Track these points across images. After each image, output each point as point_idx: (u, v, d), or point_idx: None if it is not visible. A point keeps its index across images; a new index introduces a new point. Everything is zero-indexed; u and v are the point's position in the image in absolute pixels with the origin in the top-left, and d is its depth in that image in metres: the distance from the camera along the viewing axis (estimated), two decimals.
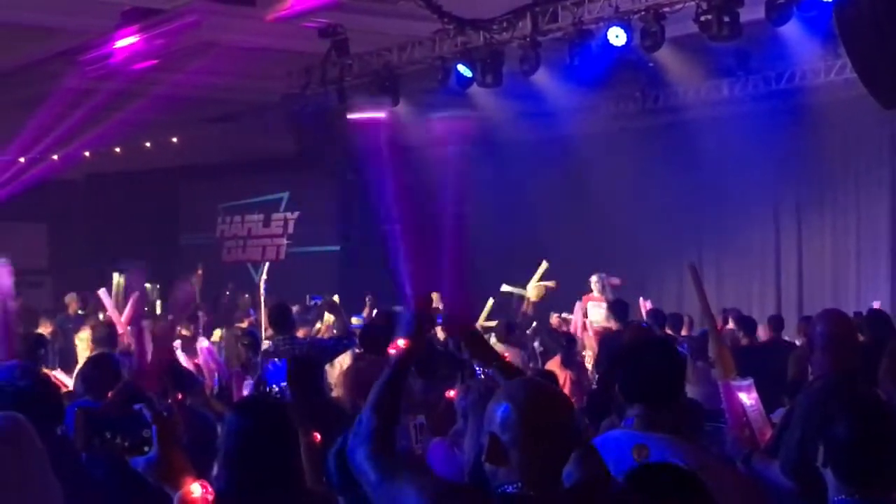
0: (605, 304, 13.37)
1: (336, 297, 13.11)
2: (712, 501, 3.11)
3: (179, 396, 6.09)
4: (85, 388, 6.15)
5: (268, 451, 3.70)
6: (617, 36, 12.86)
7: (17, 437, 3.75)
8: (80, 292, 16.41)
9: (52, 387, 4.96)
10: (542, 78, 14.72)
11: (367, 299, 15.39)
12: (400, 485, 2.99)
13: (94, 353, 8.43)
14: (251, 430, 3.72)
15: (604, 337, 11.55)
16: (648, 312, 12.08)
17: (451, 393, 5.96)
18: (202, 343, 8.79)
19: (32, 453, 3.77)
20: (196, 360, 9.08)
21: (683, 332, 12.25)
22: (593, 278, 14.68)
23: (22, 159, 20.70)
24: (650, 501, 3.02)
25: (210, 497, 2.78)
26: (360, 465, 3.13)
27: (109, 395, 5.62)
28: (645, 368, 4.05)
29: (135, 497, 3.86)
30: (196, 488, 2.76)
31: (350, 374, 7.74)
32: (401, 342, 3.52)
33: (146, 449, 2.73)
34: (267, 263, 17.90)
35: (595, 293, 14.47)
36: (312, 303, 12.97)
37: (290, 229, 23.01)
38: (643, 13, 12.68)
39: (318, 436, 4.28)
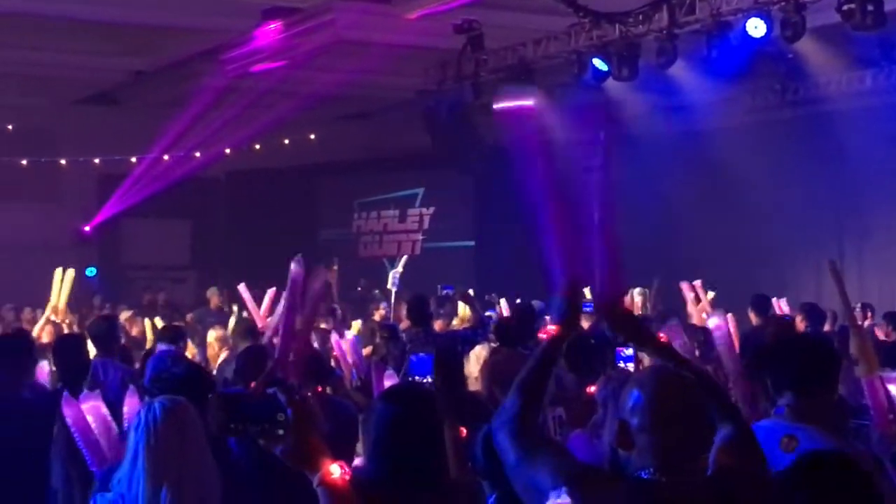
0: None
1: (471, 291, 13.15)
2: (881, 500, 3.01)
3: (319, 389, 6.18)
4: (236, 377, 6.31)
5: (416, 439, 3.73)
6: (756, 27, 12.64)
7: (181, 418, 3.99)
8: (220, 287, 16.77)
9: (205, 372, 5.14)
10: (678, 71, 14.55)
11: (492, 297, 15.30)
12: (537, 464, 3.02)
13: (234, 347, 8.69)
14: (400, 418, 3.75)
15: (746, 332, 11.36)
16: (803, 306, 11.81)
17: (592, 388, 5.94)
18: (345, 335, 8.89)
19: (194, 433, 4.00)
20: (334, 354, 9.20)
21: (826, 328, 11.97)
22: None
23: (166, 157, 21.23)
24: (813, 494, 2.92)
25: (347, 477, 2.83)
26: (502, 445, 3.17)
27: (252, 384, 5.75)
28: (799, 359, 4.00)
29: (275, 478, 3.97)
30: (335, 469, 2.82)
31: (488, 368, 7.77)
32: (551, 328, 3.53)
33: (280, 433, 2.79)
34: (403, 258, 18.10)
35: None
36: (444, 292, 13.01)
37: (426, 224, 23.15)
38: (783, 3, 12.43)
39: (464, 430, 4.31)
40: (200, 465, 3.94)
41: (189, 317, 15.14)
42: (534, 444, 3.12)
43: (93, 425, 4.96)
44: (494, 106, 16.47)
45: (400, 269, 14.68)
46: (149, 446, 3.91)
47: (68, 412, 4.99)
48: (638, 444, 2.92)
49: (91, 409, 4.98)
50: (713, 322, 5.43)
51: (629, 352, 6.38)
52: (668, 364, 3.31)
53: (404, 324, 10.90)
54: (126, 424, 5.14)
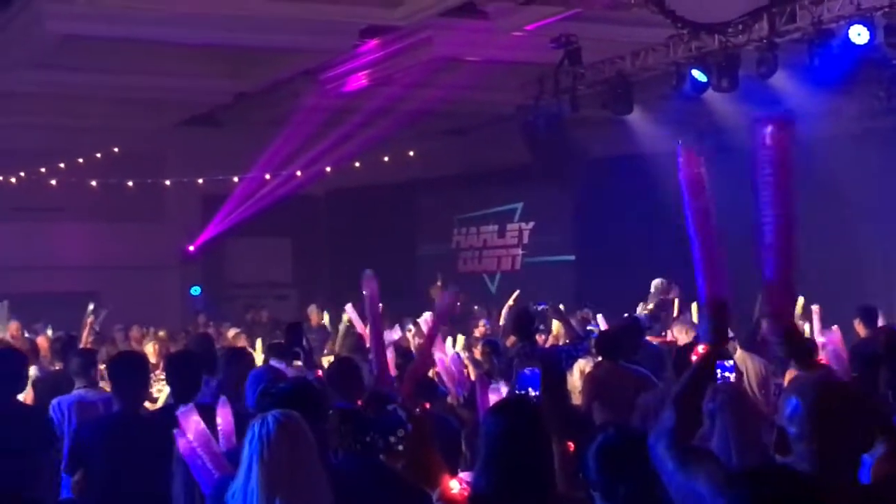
0: None
1: (561, 305, 13.13)
2: None
3: (426, 405, 6.21)
4: (334, 390, 6.38)
5: (525, 452, 3.76)
6: (859, 34, 12.43)
7: (294, 432, 4.03)
8: (319, 304, 16.94)
9: (312, 387, 5.19)
10: (780, 80, 14.35)
11: (585, 313, 15.23)
12: (693, 473, 3.10)
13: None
14: (509, 431, 3.78)
15: (855, 343, 11.16)
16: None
17: None
18: (448, 351, 8.93)
19: (306, 447, 4.03)
20: (436, 369, 9.24)
21: None
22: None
23: (267, 176, 21.52)
24: None
25: (466, 493, 2.86)
26: (659, 456, 3.25)
27: (360, 401, 5.80)
28: None
29: (391, 494, 3.99)
30: (454, 484, 2.85)
31: (589, 381, 7.74)
32: (700, 348, 3.61)
33: (399, 448, 2.82)
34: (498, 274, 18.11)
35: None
36: (536, 308, 12.99)
37: (525, 239, 23.11)
38: (887, 9, 12.21)
39: (571, 445, 4.33)
40: (312, 479, 3.98)
41: None
42: (688, 454, 3.20)
43: (194, 443, 5.04)
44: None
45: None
46: (262, 460, 3.95)
47: (178, 436, 5.09)
48: (795, 452, 2.97)
49: (190, 429, 5.05)
50: (822, 336, 5.35)
51: (730, 363, 6.32)
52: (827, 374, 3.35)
53: (510, 339, 10.98)
54: (220, 437, 5.23)
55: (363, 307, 11.03)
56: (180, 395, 6.44)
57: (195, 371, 6.79)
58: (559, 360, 8.30)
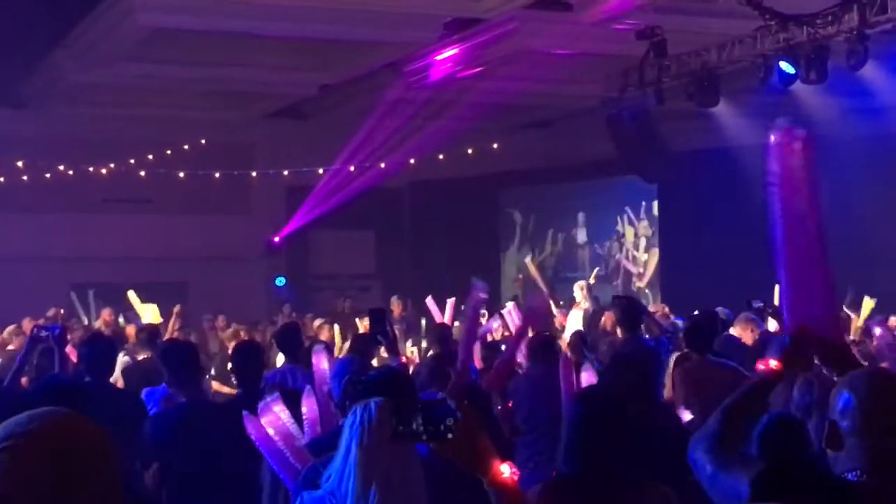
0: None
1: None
2: None
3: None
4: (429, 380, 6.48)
5: (606, 438, 3.79)
6: None
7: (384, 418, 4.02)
8: (401, 295, 17.03)
9: (402, 376, 5.21)
10: (870, 72, 14.12)
11: (661, 305, 15.13)
12: (734, 473, 3.06)
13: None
14: (591, 418, 3.80)
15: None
16: None
17: None
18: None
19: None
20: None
21: None
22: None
23: (351, 168, 21.66)
24: None
25: (516, 477, 2.91)
26: (698, 459, 3.22)
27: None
28: None
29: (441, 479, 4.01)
30: (504, 469, 2.90)
31: (685, 375, 7.69)
32: (772, 363, 3.54)
33: (449, 436, 2.87)
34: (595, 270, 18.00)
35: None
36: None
37: None
38: None
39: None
40: (409, 466, 4.02)
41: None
42: (730, 458, 3.17)
43: (275, 438, 5.08)
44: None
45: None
46: (362, 445, 4.00)
47: (249, 426, 5.12)
48: (847, 446, 2.92)
49: (271, 423, 5.10)
50: (876, 330, 5.26)
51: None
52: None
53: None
54: (305, 425, 5.26)
55: (444, 300, 11.14)
56: (243, 384, 6.55)
57: (256, 362, 6.88)
58: (658, 352, 8.33)
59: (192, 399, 6.47)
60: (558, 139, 22.88)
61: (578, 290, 15.50)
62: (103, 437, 2.20)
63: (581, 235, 23.40)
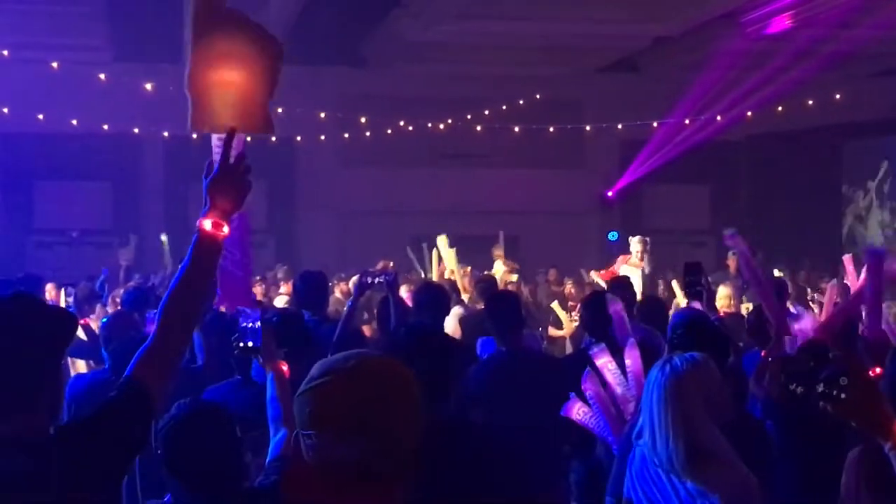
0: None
1: None
2: None
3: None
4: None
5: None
6: None
7: (702, 369, 4.21)
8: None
9: (716, 328, 5.23)
10: None
11: None
12: None
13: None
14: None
15: None
16: None
17: None
18: None
19: (713, 383, 4.21)
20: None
21: None
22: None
23: (686, 122, 21.30)
24: None
25: None
26: None
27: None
28: None
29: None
30: None
31: None
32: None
33: (843, 397, 2.76)
34: None
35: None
36: None
37: None
38: None
39: None
40: (714, 416, 4.01)
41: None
42: None
43: (596, 402, 5.11)
44: None
45: None
46: (671, 399, 4.01)
47: (586, 384, 5.17)
48: None
49: (593, 386, 5.14)
50: None
51: None
52: None
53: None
54: (630, 378, 5.25)
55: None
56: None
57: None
58: None
59: (510, 348, 6.59)
60: None
61: None
62: (406, 372, 2.61)
63: None
